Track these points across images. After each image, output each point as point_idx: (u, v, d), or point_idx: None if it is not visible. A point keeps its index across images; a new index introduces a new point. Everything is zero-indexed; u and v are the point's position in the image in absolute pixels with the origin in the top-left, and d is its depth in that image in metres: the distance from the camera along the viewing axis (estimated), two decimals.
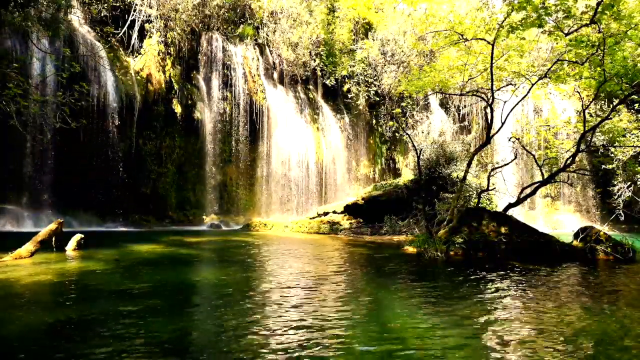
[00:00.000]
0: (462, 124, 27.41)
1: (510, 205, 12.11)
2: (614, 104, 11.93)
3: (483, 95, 14.26)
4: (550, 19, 10.61)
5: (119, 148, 18.04)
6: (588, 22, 10.02)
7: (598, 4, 9.56)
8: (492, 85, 11.94)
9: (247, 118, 22.37)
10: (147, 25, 19.68)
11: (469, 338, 4.24)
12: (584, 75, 11.60)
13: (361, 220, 18.14)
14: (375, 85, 26.52)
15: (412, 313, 5.11)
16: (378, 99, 26.99)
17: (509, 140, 15.08)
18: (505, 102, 12.93)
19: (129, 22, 19.19)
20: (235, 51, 22.66)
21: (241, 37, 23.62)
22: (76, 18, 17.96)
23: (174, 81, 20.27)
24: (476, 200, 14.42)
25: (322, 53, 25.38)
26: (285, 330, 4.31)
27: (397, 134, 26.99)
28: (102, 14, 18.55)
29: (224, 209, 21.64)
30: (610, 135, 13.80)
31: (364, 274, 8.25)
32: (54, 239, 9.01)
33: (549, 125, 22.05)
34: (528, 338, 4.27)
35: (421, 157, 15.61)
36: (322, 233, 17.24)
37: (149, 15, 19.68)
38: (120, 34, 18.93)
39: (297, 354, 3.69)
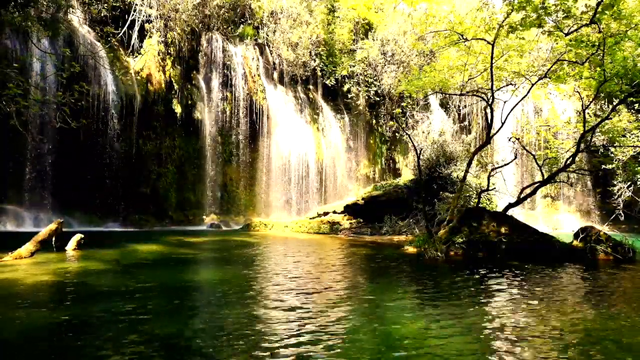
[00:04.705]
0: (462, 124, 27.40)
1: (510, 205, 12.11)
2: (614, 104, 11.92)
3: (483, 95, 14.26)
4: (550, 19, 10.61)
5: (119, 148, 18.03)
6: (588, 22, 10.01)
7: (598, 4, 9.56)
8: (492, 85, 11.94)
9: (247, 118, 22.36)
10: (147, 25, 19.68)
11: (469, 338, 4.23)
12: (584, 75, 11.59)
13: (361, 220, 18.14)
14: (375, 85, 26.51)
15: (412, 313, 5.11)
16: (378, 99, 26.98)
17: (509, 140, 15.08)
18: (505, 102, 12.93)
19: (129, 22, 19.18)
20: (235, 51, 22.65)
21: (241, 37, 23.61)
22: (76, 18, 17.96)
23: (174, 81, 20.27)
24: (476, 200, 14.42)
25: (322, 53, 25.37)
26: (285, 331, 4.30)
27: (397, 134, 26.98)
28: (102, 14, 18.54)
29: (224, 209, 21.63)
30: (610, 135, 13.78)
31: (364, 273, 8.25)
32: (54, 239, 9.00)
33: (549, 125, 22.06)
34: (528, 338, 4.27)
35: (421, 157, 15.61)
36: (322, 233, 17.24)
37: (149, 15, 19.67)
38: (120, 34, 18.92)
39: (297, 354, 3.68)
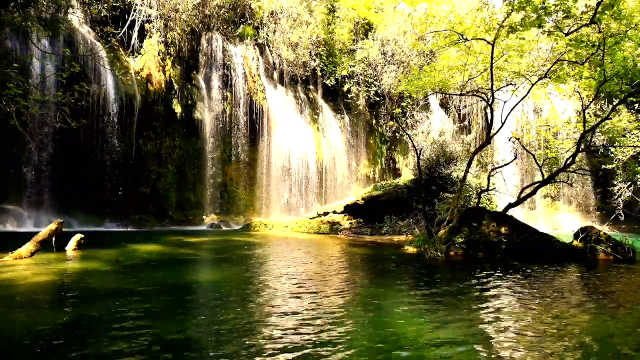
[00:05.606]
0: (462, 124, 27.41)
1: (510, 205, 12.11)
2: (614, 104, 11.91)
3: (483, 95, 14.26)
4: (550, 19, 10.60)
5: (119, 148, 18.03)
6: (588, 22, 10.01)
7: (598, 4, 9.55)
8: (492, 85, 11.93)
9: (247, 118, 22.37)
10: (147, 25, 19.68)
11: (470, 339, 4.23)
12: (584, 75, 11.59)
13: (361, 220, 18.14)
14: (375, 85, 26.52)
15: (413, 313, 5.11)
16: (378, 99, 26.99)
17: (509, 140, 15.08)
18: (505, 102, 12.93)
19: (129, 22, 19.19)
20: (235, 51, 22.66)
21: (241, 37, 23.62)
22: (76, 18, 17.96)
23: (174, 81, 20.27)
24: (476, 200, 14.42)
25: (322, 53, 25.38)
26: (285, 332, 4.30)
27: (397, 134, 26.99)
28: (102, 14, 18.55)
29: (224, 209, 21.63)
30: (610, 135, 13.78)
31: (364, 274, 8.25)
32: (54, 239, 9.00)
33: (549, 125, 22.06)
34: (528, 338, 4.27)
35: (421, 157, 15.61)
36: (322, 233, 17.24)
37: (149, 15, 19.68)
38: (120, 34, 18.93)
39: (297, 355, 3.68)
